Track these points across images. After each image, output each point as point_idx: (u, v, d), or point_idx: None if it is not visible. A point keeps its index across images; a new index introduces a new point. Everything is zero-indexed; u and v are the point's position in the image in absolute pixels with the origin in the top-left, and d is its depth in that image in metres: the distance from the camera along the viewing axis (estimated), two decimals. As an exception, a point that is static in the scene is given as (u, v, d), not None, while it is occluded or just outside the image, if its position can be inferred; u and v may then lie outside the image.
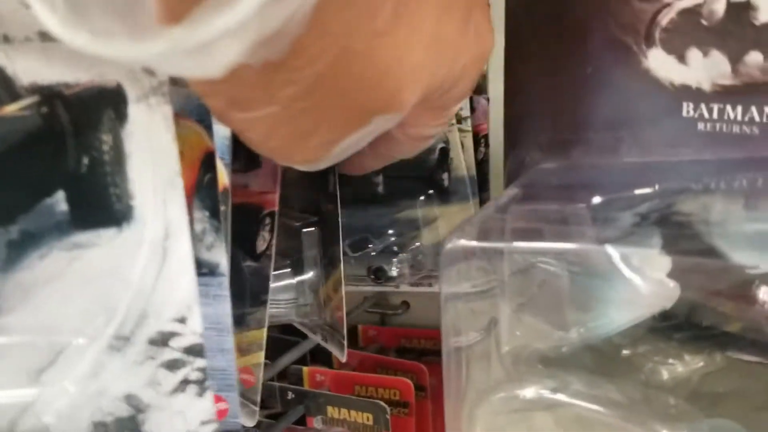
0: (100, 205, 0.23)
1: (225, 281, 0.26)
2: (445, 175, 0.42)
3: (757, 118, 0.26)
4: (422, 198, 0.42)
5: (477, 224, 0.29)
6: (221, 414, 0.27)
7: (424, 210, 0.42)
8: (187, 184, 0.24)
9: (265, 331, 0.34)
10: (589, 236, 0.27)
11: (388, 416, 0.47)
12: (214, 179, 0.25)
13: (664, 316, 0.28)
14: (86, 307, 0.25)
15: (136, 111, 0.23)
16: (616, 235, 0.27)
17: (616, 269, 0.27)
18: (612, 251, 0.27)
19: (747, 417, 0.27)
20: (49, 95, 0.23)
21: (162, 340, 0.25)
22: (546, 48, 0.28)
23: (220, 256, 0.26)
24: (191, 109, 0.25)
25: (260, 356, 0.34)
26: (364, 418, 0.47)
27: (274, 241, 0.33)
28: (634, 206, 0.27)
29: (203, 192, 0.25)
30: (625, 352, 0.29)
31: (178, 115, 0.24)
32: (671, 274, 0.27)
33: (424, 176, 0.42)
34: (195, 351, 0.25)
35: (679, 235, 0.27)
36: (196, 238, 0.25)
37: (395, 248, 0.44)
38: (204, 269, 0.26)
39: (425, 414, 0.52)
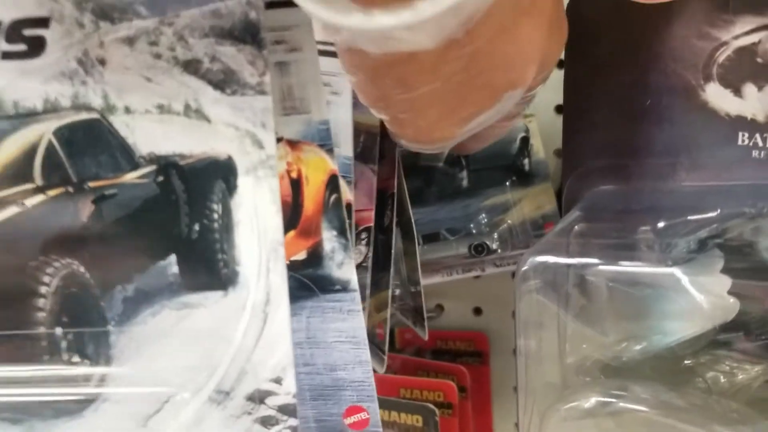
0: (209, 269, 0.25)
1: (357, 296, 0.28)
2: (526, 161, 0.46)
3: None
4: (507, 183, 0.47)
5: (545, 245, 0.31)
6: (363, 424, 0.29)
7: (511, 194, 0.47)
8: (315, 206, 0.26)
9: (390, 291, 0.36)
10: (656, 258, 0.29)
11: (437, 418, 0.49)
12: (339, 199, 0.27)
13: (725, 328, 0.30)
14: (191, 362, 0.26)
15: (244, 182, 0.24)
16: (681, 257, 0.29)
17: (681, 287, 0.29)
18: (679, 272, 0.28)
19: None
20: (165, 165, 0.24)
21: (259, 397, 0.26)
22: (606, 81, 0.30)
23: (351, 273, 0.27)
24: (313, 134, 0.26)
25: (388, 312, 0.36)
26: (414, 420, 0.49)
27: (370, 254, 0.35)
28: (695, 231, 0.29)
29: (330, 213, 0.27)
30: (686, 362, 0.31)
31: (302, 142, 0.26)
32: (731, 291, 0.29)
33: (506, 165, 0.47)
34: (288, 410, 0.26)
35: (738, 257, 0.29)
36: (326, 257, 0.27)
37: (487, 229, 0.49)
38: (337, 286, 0.27)
39: (467, 414, 0.54)
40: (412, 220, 0.41)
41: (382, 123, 0.33)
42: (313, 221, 0.27)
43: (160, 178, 0.25)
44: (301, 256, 0.27)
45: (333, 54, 0.25)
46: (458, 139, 0.27)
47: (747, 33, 0.28)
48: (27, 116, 0.25)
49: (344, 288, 0.27)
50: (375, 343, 0.41)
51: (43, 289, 0.25)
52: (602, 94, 0.30)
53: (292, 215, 0.27)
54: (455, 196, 0.49)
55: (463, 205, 0.49)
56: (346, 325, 0.28)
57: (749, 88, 0.28)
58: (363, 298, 0.35)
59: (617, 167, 0.29)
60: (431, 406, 0.48)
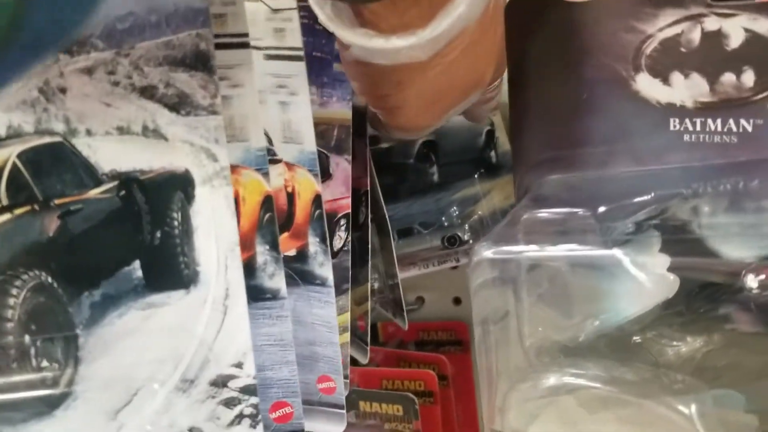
0: (171, 271, 0.27)
1: (286, 303, 0.31)
2: (493, 153, 0.48)
3: (734, 129, 0.29)
4: (476, 176, 0.49)
5: (496, 236, 0.33)
6: (287, 417, 0.32)
7: (480, 186, 0.49)
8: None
9: (348, 315, 0.39)
10: (597, 241, 0.31)
11: (416, 407, 0.50)
12: (272, 218, 0.30)
13: (667, 304, 0.31)
14: (157, 356, 0.28)
15: (201, 192, 0.26)
16: (621, 239, 0.31)
17: (623, 268, 0.31)
18: (619, 254, 0.30)
19: (744, 386, 0.31)
20: (126, 180, 0.26)
21: (222, 382, 0.29)
22: (544, 79, 0.32)
23: (280, 283, 0.30)
24: (251, 160, 0.29)
25: (346, 336, 0.38)
26: (395, 409, 0.51)
27: (350, 238, 0.38)
28: (633, 213, 0.31)
29: (264, 229, 0.30)
30: (635, 338, 0.33)
31: (240, 166, 0.28)
32: (670, 269, 0.31)
33: (474, 158, 0.49)
34: (249, 390, 0.29)
35: (675, 236, 0.30)
36: (259, 269, 0.30)
37: (459, 221, 0.51)
38: (267, 295, 0.30)
39: (449, 401, 0.56)
40: (387, 216, 0.43)
41: (353, 122, 0.38)
42: (247, 237, 0.30)
43: (123, 192, 0.26)
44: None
45: (288, 58, 0.28)
46: (435, 126, 0.36)
47: (670, 25, 0.30)
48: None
49: (274, 296, 0.31)
50: (357, 335, 0.44)
51: (11, 301, 0.27)
52: (542, 91, 0.32)
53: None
54: (427, 191, 0.51)
55: (435, 199, 0.51)
56: (275, 329, 0.31)
57: (676, 77, 0.30)
58: (346, 280, 0.38)
59: (560, 158, 0.31)
60: (410, 395, 0.50)
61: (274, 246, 0.30)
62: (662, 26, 0.30)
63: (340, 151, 0.38)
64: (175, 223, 0.27)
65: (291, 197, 0.32)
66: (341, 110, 0.38)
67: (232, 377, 0.29)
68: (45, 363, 0.27)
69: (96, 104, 0.26)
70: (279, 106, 0.31)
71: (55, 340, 0.27)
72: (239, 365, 0.28)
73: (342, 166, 0.38)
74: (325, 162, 0.38)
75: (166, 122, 0.26)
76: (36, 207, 0.27)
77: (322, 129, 0.38)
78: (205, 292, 0.27)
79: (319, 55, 0.36)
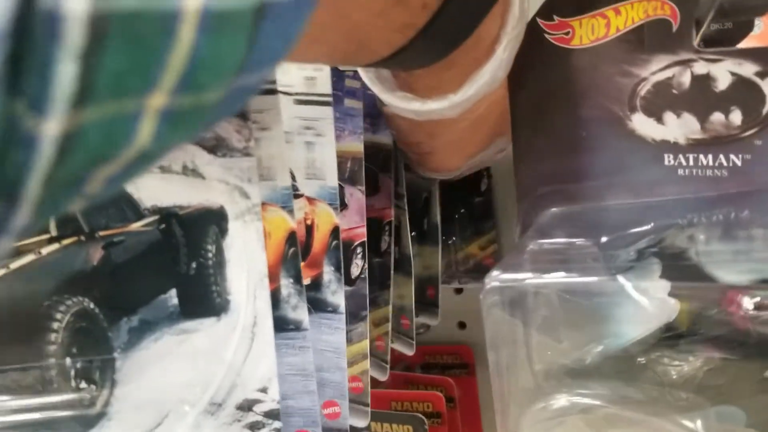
0: (204, 299, 0.29)
1: (308, 335, 0.33)
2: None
3: (724, 163, 0.32)
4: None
5: (506, 265, 0.35)
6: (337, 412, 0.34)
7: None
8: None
9: (367, 342, 0.41)
10: (600, 268, 0.33)
11: (426, 427, 0.52)
12: (296, 253, 0.32)
13: (669, 327, 0.33)
14: (188, 379, 0.30)
15: (234, 226, 0.29)
16: (623, 266, 0.33)
17: (626, 293, 0.33)
18: (622, 280, 0.32)
19: (743, 402, 0.33)
20: (166, 215, 0.29)
21: (247, 406, 0.30)
22: (545, 119, 0.34)
23: (303, 315, 0.32)
24: (277, 198, 0.32)
25: (366, 364, 0.41)
26: (405, 429, 0.52)
27: (366, 266, 0.41)
28: (634, 242, 0.33)
29: (288, 263, 0.32)
30: (639, 359, 0.35)
31: (267, 203, 0.30)
32: (671, 294, 0.33)
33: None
34: (273, 415, 0.31)
35: (674, 263, 0.32)
36: (283, 301, 0.32)
37: None
38: (291, 326, 0.32)
39: (456, 422, 0.57)
40: (411, 257, 0.45)
41: (372, 158, 0.42)
42: (272, 269, 0.32)
43: (162, 226, 0.29)
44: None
45: (317, 103, 0.31)
46: (463, 170, 0.41)
47: (662, 69, 0.32)
48: None
49: (297, 327, 0.33)
50: (376, 354, 0.45)
51: (55, 325, 0.29)
52: (544, 129, 0.34)
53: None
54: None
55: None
56: (298, 359, 0.33)
57: (669, 116, 0.32)
58: (364, 307, 0.40)
59: (562, 192, 0.33)
60: (420, 416, 0.52)
61: (297, 279, 0.32)
62: (655, 70, 0.32)
63: (353, 182, 0.41)
64: (210, 255, 0.29)
65: (309, 229, 0.34)
66: (353, 143, 0.40)
67: (257, 401, 0.30)
68: (83, 384, 0.30)
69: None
70: (305, 145, 0.34)
71: (94, 363, 0.29)
72: (264, 390, 0.30)
73: (356, 197, 0.41)
74: (375, 178, 0.42)
75: (204, 162, 0.28)
76: (82, 238, 0.30)
77: (371, 151, 0.42)
78: (234, 320, 0.30)
79: (332, 92, 0.39)
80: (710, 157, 0.32)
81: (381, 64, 0.27)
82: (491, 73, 0.31)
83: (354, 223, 0.40)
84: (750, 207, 0.31)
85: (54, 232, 0.30)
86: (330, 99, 0.35)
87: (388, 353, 0.45)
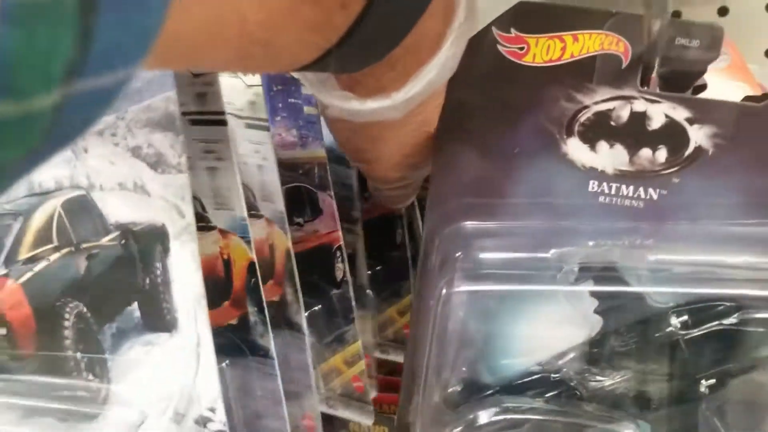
0: (159, 315, 0.32)
1: (275, 363, 0.34)
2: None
3: (642, 196, 0.33)
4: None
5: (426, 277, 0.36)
6: None
7: None
8: (239, 286, 0.33)
9: (360, 343, 0.43)
10: (526, 283, 0.35)
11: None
12: (257, 283, 0.34)
13: (592, 342, 0.35)
14: (158, 387, 0.32)
15: (174, 245, 0.31)
16: (551, 282, 0.35)
17: (550, 309, 0.35)
18: (549, 295, 0.34)
19: (651, 415, 0.34)
20: (125, 231, 0.32)
21: (202, 421, 0.32)
22: (479, 128, 0.35)
23: (269, 343, 0.34)
24: (236, 227, 0.33)
25: (362, 364, 0.43)
26: (381, 430, 0.53)
27: (347, 268, 0.42)
28: (561, 260, 0.35)
29: (252, 293, 0.34)
30: (561, 374, 0.36)
31: (229, 232, 0.33)
32: (597, 311, 0.35)
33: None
34: None
35: (600, 282, 0.34)
36: (252, 327, 0.34)
37: None
38: (261, 351, 0.34)
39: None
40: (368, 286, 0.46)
41: (308, 176, 0.41)
42: (239, 296, 0.34)
43: (123, 242, 0.33)
44: (234, 321, 0.35)
45: (212, 122, 0.32)
46: (408, 180, 0.39)
47: (605, 100, 0.33)
48: (46, 194, 0.34)
49: (265, 354, 0.34)
50: (355, 397, 0.45)
51: (66, 323, 0.34)
52: (473, 137, 0.35)
53: (224, 289, 0.34)
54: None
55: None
56: (268, 384, 0.34)
57: (602, 145, 0.34)
58: (351, 309, 0.42)
59: (481, 206, 0.34)
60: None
61: (261, 309, 0.34)
62: (598, 100, 0.33)
63: (323, 188, 0.42)
64: (158, 272, 0.32)
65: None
66: (318, 150, 0.42)
67: (208, 420, 0.32)
68: (91, 377, 0.33)
69: (105, 162, 0.32)
70: (207, 171, 0.33)
71: (94, 360, 0.33)
72: (213, 410, 0.32)
73: (327, 202, 0.42)
74: (314, 198, 0.42)
75: (149, 179, 0.31)
76: (73, 249, 0.34)
77: (306, 168, 0.42)
78: (182, 338, 0.32)
79: (293, 101, 0.40)
80: (631, 188, 0.33)
81: (309, 69, 0.26)
82: (437, 70, 0.30)
83: (330, 228, 0.42)
84: (657, 238, 0.33)
85: (55, 242, 0.34)
86: (224, 117, 0.33)
87: (369, 394, 0.44)
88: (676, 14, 0.63)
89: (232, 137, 0.36)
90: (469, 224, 0.34)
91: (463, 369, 0.35)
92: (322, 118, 0.40)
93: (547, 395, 0.35)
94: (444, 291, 0.34)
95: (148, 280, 0.32)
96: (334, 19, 0.23)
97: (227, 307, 0.35)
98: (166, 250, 0.32)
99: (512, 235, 0.34)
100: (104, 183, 0.33)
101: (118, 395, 0.33)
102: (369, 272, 0.48)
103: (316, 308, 0.43)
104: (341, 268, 0.43)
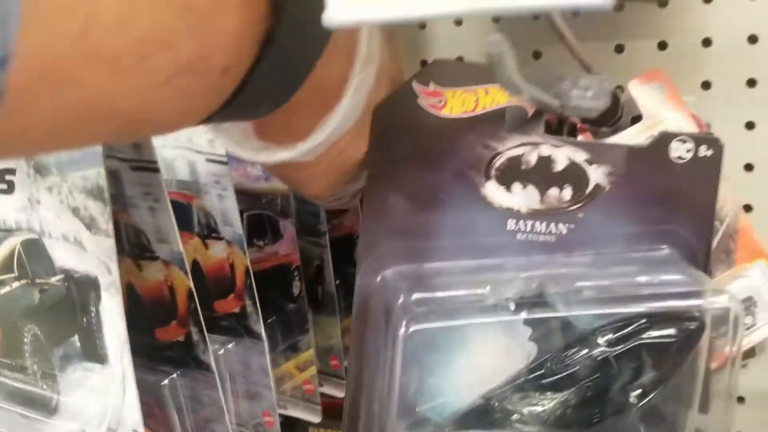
0: (93, 349, 0.36)
1: (215, 376, 0.39)
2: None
3: (554, 231, 0.35)
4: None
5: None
6: None
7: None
8: (182, 309, 0.37)
9: (312, 350, 0.47)
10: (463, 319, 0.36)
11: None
12: (196, 308, 0.37)
13: (530, 369, 0.37)
14: (96, 406, 0.37)
15: (104, 295, 0.35)
16: (485, 315, 0.36)
17: (488, 340, 0.37)
18: (485, 327, 0.36)
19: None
20: (67, 276, 0.36)
21: None
22: (403, 175, 0.37)
23: (209, 360, 0.38)
24: (175, 260, 0.37)
25: (314, 369, 0.47)
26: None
27: (303, 285, 0.47)
28: (493, 294, 0.37)
29: (192, 315, 0.38)
30: (507, 398, 0.38)
31: (170, 263, 0.37)
32: (531, 338, 0.37)
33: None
34: None
35: (532, 311, 0.36)
36: (195, 344, 0.38)
37: None
38: (203, 365, 0.39)
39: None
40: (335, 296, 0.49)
41: (270, 205, 0.46)
42: (183, 317, 0.38)
43: (66, 284, 0.37)
44: (181, 338, 0.39)
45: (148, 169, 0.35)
46: (342, 194, 0.39)
47: (516, 146, 0.35)
48: (9, 231, 0.38)
49: (207, 368, 0.39)
50: (305, 398, 0.51)
51: (25, 339, 0.38)
52: (400, 185, 0.36)
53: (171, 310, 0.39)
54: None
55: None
56: (215, 394, 0.38)
57: (516, 187, 0.36)
58: (306, 320, 0.47)
59: (410, 248, 0.37)
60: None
61: (200, 330, 0.38)
62: (510, 147, 0.36)
63: (285, 215, 0.47)
64: (92, 315, 0.36)
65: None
66: (278, 184, 0.45)
67: None
68: (44, 386, 0.39)
69: (53, 215, 0.36)
70: (148, 210, 0.37)
71: (47, 374, 0.38)
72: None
73: (288, 228, 0.47)
74: (275, 225, 0.47)
75: (86, 238, 0.35)
76: (29, 281, 0.38)
77: (269, 198, 0.47)
78: (112, 370, 0.36)
79: None
80: (544, 225, 0.35)
81: (204, 123, 0.26)
82: (342, 116, 0.30)
83: (289, 250, 0.47)
84: (570, 267, 0.35)
85: (16, 273, 0.38)
86: (157, 165, 0.36)
87: (318, 395, 0.49)
88: (619, 48, 0.65)
89: (195, 166, 0.42)
90: (406, 267, 0.37)
91: (414, 409, 0.37)
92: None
93: (493, 426, 0.37)
94: (389, 333, 0.35)
95: (85, 320, 0.36)
96: (215, 85, 0.23)
97: (174, 326, 0.39)
98: (98, 298, 0.36)
99: (447, 275, 0.37)
100: (52, 232, 0.36)
101: (65, 405, 0.38)
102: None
103: (272, 319, 0.48)
104: (298, 286, 0.48)
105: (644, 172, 0.35)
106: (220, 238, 0.43)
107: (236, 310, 0.44)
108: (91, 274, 0.35)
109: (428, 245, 0.37)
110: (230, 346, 0.45)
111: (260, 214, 0.47)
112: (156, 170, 0.35)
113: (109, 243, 0.34)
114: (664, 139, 0.35)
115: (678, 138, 0.34)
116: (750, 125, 0.63)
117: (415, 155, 0.37)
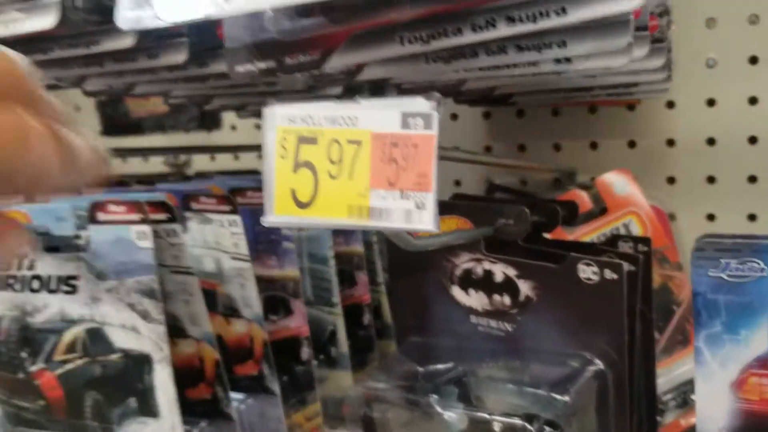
0: (148, 406, 0.48)
1: (237, 426, 0.50)
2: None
3: (502, 328, 0.46)
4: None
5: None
6: None
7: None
8: (210, 374, 0.49)
9: (318, 404, 0.57)
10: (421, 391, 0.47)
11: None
12: (221, 373, 0.49)
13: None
14: None
15: (156, 367, 0.46)
16: (434, 390, 0.47)
17: (434, 410, 0.47)
18: (432, 401, 0.46)
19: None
20: (126, 353, 0.47)
21: None
22: (407, 288, 0.49)
23: (231, 412, 0.50)
24: (206, 338, 0.48)
25: (320, 419, 0.57)
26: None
27: (311, 351, 0.57)
28: (446, 374, 0.47)
29: (218, 379, 0.49)
30: None
31: (200, 340, 0.48)
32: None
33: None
34: None
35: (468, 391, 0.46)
36: (219, 401, 0.49)
37: None
38: (227, 417, 0.50)
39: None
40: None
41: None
42: (210, 379, 0.49)
43: (124, 360, 0.48)
44: (208, 396, 0.50)
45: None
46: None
47: (467, 261, 0.46)
48: (72, 322, 0.49)
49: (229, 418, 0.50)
50: None
51: (86, 403, 0.50)
52: (405, 292, 0.50)
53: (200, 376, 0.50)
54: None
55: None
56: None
57: (472, 291, 0.46)
58: (313, 380, 0.58)
59: (418, 338, 0.50)
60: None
61: (224, 389, 0.50)
62: (463, 261, 0.46)
63: (295, 296, 0.58)
64: (146, 381, 0.47)
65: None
66: (292, 270, 0.57)
67: None
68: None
69: (112, 309, 0.48)
70: (183, 302, 0.48)
71: (107, 428, 0.49)
72: None
73: (298, 306, 0.57)
74: (287, 303, 0.57)
75: (141, 325, 0.46)
76: (91, 359, 0.49)
77: (282, 282, 0.58)
78: (163, 422, 0.47)
79: (274, 237, 0.56)
80: (495, 322, 0.46)
81: None
82: None
83: (300, 324, 0.58)
84: (519, 358, 0.45)
85: (80, 353, 0.49)
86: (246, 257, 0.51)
87: None
88: (593, 145, 0.75)
89: (220, 262, 0.52)
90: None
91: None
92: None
93: None
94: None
95: (140, 385, 0.47)
96: None
97: (202, 387, 0.50)
98: (152, 369, 0.47)
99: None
100: (112, 322, 0.48)
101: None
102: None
103: (284, 378, 0.57)
104: (306, 352, 0.58)
105: (561, 289, 0.44)
106: (240, 317, 0.54)
107: (254, 372, 0.55)
108: (145, 351, 0.46)
109: (424, 337, 0.49)
110: (249, 401, 0.55)
111: (274, 296, 0.58)
112: (192, 274, 0.47)
113: (162, 329, 0.45)
114: (573, 261, 0.44)
115: (583, 261, 0.44)
116: (711, 217, 0.72)
117: (413, 273, 0.49)
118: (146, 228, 0.43)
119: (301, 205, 0.29)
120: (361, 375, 0.64)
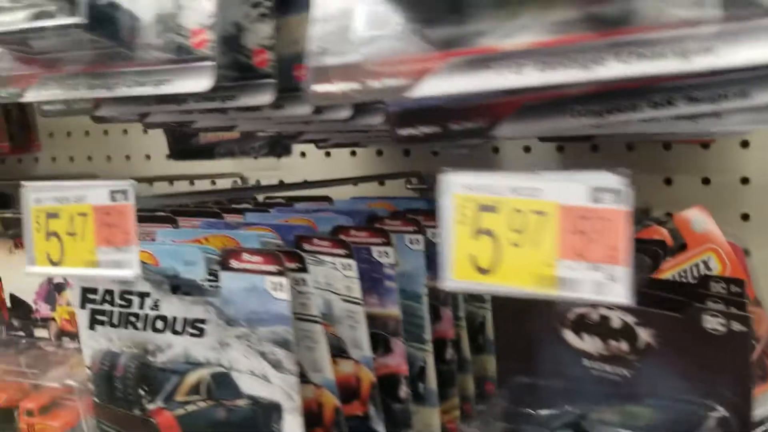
0: None
1: None
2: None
3: (619, 373, 0.47)
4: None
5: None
6: None
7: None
8: (328, 418, 0.50)
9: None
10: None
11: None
12: (340, 420, 0.50)
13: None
14: None
15: (286, 417, 0.48)
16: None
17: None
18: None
19: None
20: (254, 400, 0.49)
21: None
22: (514, 329, 0.50)
23: None
24: (327, 384, 0.50)
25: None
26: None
27: (408, 390, 0.59)
28: (562, 417, 0.49)
29: (336, 424, 0.51)
30: None
31: (321, 386, 0.49)
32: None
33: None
34: None
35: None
36: None
37: None
38: None
39: None
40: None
41: (381, 325, 0.58)
42: (329, 423, 0.51)
43: (252, 406, 0.49)
44: None
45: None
46: None
47: (582, 306, 0.48)
48: (196, 364, 0.51)
49: None
50: None
51: None
52: (511, 333, 0.51)
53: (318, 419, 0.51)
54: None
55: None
56: None
57: (584, 335, 0.48)
58: (409, 416, 0.60)
59: (520, 381, 0.51)
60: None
61: (340, 429, 0.52)
62: (578, 305, 0.48)
63: (395, 334, 0.60)
64: (275, 430, 0.49)
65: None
66: (393, 309, 0.59)
67: None
68: None
69: (241, 356, 0.50)
70: (306, 348, 0.51)
71: None
72: None
73: (397, 344, 0.60)
74: (387, 342, 0.59)
75: (271, 374, 0.48)
76: (216, 402, 0.51)
77: (382, 321, 0.60)
78: None
79: (376, 275, 0.58)
80: (611, 367, 0.47)
81: None
82: None
83: (399, 362, 0.60)
84: (637, 404, 0.46)
85: (204, 396, 0.51)
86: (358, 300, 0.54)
87: None
88: (667, 181, 0.77)
89: (331, 303, 0.54)
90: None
91: None
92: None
93: None
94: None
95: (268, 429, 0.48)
96: None
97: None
98: (280, 417, 0.49)
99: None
100: (240, 368, 0.50)
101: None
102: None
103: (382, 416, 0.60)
104: (405, 390, 0.60)
105: (684, 338, 0.46)
106: (348, 358, 0.56)
107: (359, 413, 0.57)
108: (274, 400, 0.48)
109: (528, 380, 0.50)
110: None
111: (375, 333, 0.60)
112: (318, 322, 0.48)
113: (294, 380, 0.47)
114: (697, 312, 0.45)
115: (709, 312, 0.45)
116: (785, 253, 0.74)
117: (518, 309, 0.50)
118: (284, 280, 0.45)
119: (482, 271, 0.31)
120: (448, 408, 0.66)
